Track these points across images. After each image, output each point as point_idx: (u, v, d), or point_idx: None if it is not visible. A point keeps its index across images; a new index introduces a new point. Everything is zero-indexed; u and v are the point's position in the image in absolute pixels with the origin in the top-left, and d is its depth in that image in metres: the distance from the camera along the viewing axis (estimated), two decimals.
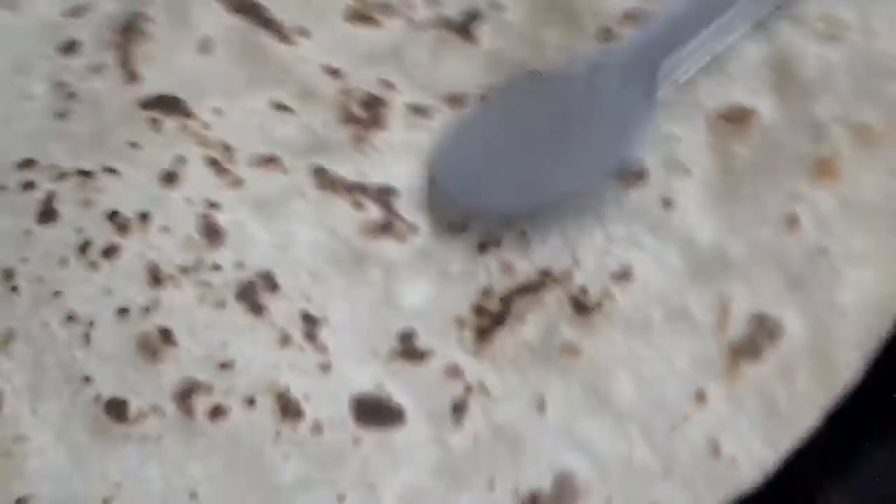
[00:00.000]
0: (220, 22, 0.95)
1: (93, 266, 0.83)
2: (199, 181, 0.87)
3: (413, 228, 0.84)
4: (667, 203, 0.80)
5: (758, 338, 0.74)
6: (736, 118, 0.81)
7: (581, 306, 0.78)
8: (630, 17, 0.89)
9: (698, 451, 0.72)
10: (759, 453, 0.71)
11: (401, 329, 0.80)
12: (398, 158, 0.88)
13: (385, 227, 0.84)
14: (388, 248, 0.84)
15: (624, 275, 0.78)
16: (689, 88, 0.83)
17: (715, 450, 0.72)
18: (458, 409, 0.76)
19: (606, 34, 0.89)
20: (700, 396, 0.73)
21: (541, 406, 0.75)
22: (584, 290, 0.79)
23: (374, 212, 0.85)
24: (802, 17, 0.83)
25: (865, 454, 0.74)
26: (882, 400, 0.75)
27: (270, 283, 0.82)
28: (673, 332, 0.76)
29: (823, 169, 0.78)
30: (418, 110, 0.90)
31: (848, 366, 0.72)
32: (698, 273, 0.77)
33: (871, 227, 0.75)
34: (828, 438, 0.72)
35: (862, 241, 0.75)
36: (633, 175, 0.81)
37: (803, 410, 0.72)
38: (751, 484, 0.71)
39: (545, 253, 0.81)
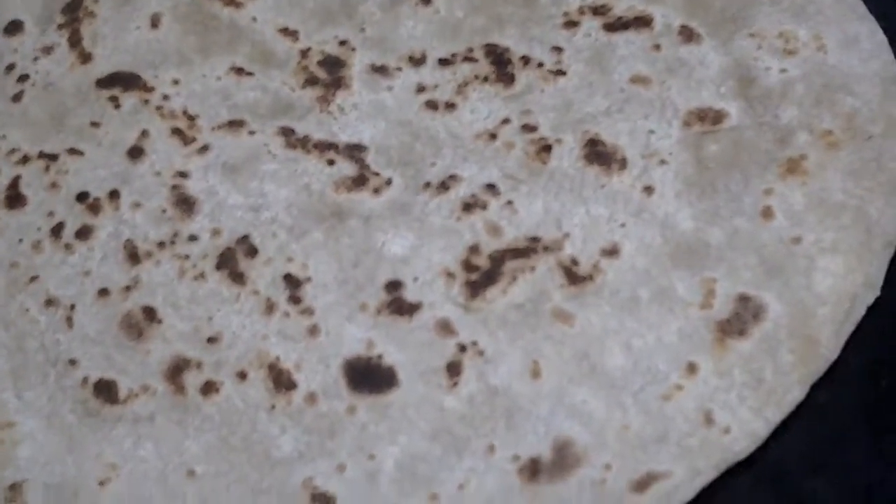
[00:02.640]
0: None
1: (68, 248, 0.82)
2: (165, 153, 0.86)
3: (387, 182, 0.84)
4: (647, 190, 0.82)
5: (742, 316, 0.76)
6: (707, 118, 0.84)
7: (573, 276, 0.78)
8: (589, 9, 0.91)
9: (692, 419, 0.73)
10: (749, 423, 0.73)
11: (387, 279, 0.79)
12: (364, 118, 0.87)
13: (358, 181, 0.84)
14: (364, 199, 0.83)
15: (612, 251, 0.79)
16: (660, 88, 0.86)
17: (708, 419, 0.73)
18: (453, 370, 0.76)
19: (570, 24, 0.90)
20: (691, 369, 0.74)
21: (535, 371, 0.75)
22: (575, 261, 0.79)
23: (345, 167, 0.85)
24: (760, 33, 0.88)
25: (851, 443, 0.75)
26: (867, 389, 0.77)
27: (248, 247, 0.81)
28: (660, 309, 0.77)
29: (792, 168, 0.82)
30: (378, 69, 0.90)
31: (828, 343, 0.75)
32: (681, 256, 0.79)
33: (837, 219, 0.79)
34: (813, 428, 0.75)
35: (831, 233, 0.79)
36: (614, 161, 0.83)
37: (788, 383, 0.74)
38: (744, 452, 0.73)
39: (531, 221, 0.81)
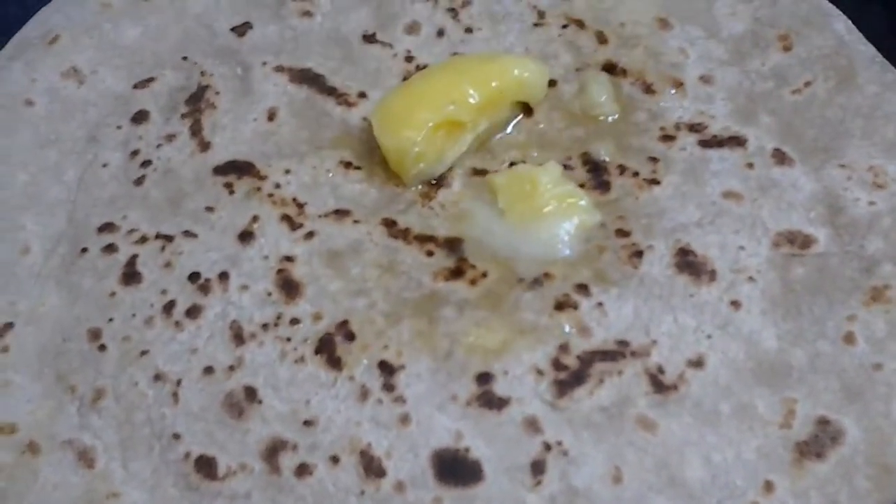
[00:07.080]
0: (283, 91, 1.00)
1: (177, 326, 0.86)
2: (273, 237, 0.90)
3: (483, 274, 0.87)
4: (734, 304, 0.84)
5: (821, 439, 0.78)
6: (796, 241, 0.87)
7: (659, 384, 0.81)
8: (685, 126, 0.95)
9: None
10: None
11: (478, 371, 0.82)
12: (464, 215, 0.91)
13: (456, 272, 0.87)
14: (459, 289, 0.86)
15: (698, 363, 0.82)
16: (751, 205, 0.89)
17: None
18: (537, 468, 0.78)
19: (666, 138, 0.95)
20: (768, 487, 0.77)
21: (616, 476, 0.77)
22: (661, 370, 0.82)
23: (444, 259, 0.88)
24: (851, 164, 0.91)
25: None
26: None
27: (347, 332, 0.84)
28: (740, 425, 0.79)
29: (876, 296, 0.84)
30: (479, 173, 0.94)
31: None
32: (763, 374, 0.81)
33: None
34: None
35: None
36: (704, 273, 0.86)
37: None
38: None
39: (621, 324, 0.84)
